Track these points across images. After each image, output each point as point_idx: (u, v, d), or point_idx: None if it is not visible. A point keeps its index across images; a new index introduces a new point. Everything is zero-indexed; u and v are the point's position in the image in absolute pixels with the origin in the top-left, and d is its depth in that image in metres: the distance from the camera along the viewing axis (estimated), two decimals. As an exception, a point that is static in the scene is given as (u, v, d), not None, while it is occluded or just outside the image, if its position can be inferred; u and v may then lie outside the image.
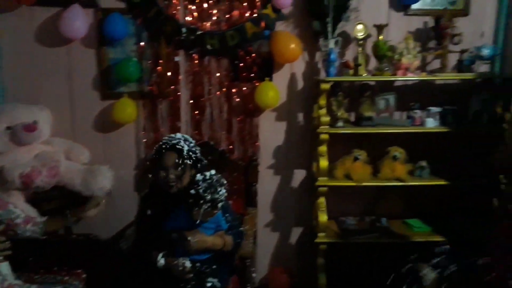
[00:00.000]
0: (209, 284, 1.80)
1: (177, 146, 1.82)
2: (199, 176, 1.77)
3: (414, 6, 2.62)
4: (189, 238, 1.76)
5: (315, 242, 2.54)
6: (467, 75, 2.50)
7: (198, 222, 1.78)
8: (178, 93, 2.66)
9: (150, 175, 1.94)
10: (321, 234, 2.55)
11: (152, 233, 1.84)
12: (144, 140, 2.69)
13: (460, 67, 2.55)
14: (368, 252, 2.72)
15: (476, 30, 2.67)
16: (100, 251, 2.19)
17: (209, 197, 1.73)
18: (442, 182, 2.50)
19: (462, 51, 2.53)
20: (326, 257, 2.59)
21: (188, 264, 1.79)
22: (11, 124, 2.39)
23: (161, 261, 1.80)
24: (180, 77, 2.65)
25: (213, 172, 1.80)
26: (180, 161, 1.81)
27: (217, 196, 1.74)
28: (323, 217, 2.53)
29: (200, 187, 1.73)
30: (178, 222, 1.83)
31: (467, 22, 2.62)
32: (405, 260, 2.69)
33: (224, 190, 1.78)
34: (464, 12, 2.64)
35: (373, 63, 2.59)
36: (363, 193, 2.77)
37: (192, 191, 1.74)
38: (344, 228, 2.64)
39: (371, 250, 2.70)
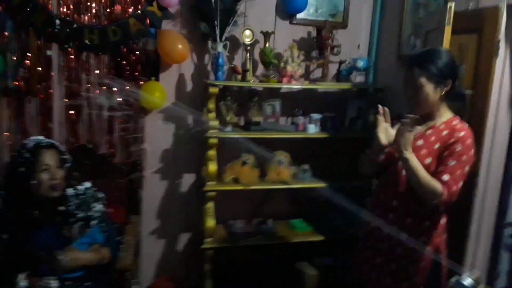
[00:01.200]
0: None
1: (55, 144, 1.64)
2: (70, 191, 1.59)
3: (299, 16, 2.73)
4: (60, 257, 1.58)
5: (202, 248, 2.50)
6: (345, 85, 2.69)
7: (70, 239, 1.61)
8: (50, 91, 2.39)
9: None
10: (208, 240, 2.51)
11: (12, 255, 1.61)
12: (9, 143, 2.36)
13: (339, 77, 2.73)
14: (256, 255, 2.77)
15: (354, 42, 2.88)
16: None
17: (81, 215, 1.56)
18: (322, 184, 2.66)
19: (341, 62, 2.71)
20: (215, 262, 2.57)
21: (54, 284, 1.61)
22: None
23: (22, 283, 1.58)
24: (53, 73, 2.39)
25: (87, 185, 1.64)
26: (63, 159, 1.64)
27: (90, 213, 1.59)
28: (210, 222, 2.50)
29: (71, 204, 1.55)
30: (46, 238, 1.63)
31: (345, 34, 2.81)
32: (290, 260, 2.81)
33: (100, 206, 1.63)
34: (343, 24, 2.83)
35: (261, 68, 2.64)
36: (252, 196, 2.81)
37: (62, 208, 1.56)
38: (232, 232, 2.65)
39: (259, 252, 2.75)
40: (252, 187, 2.56)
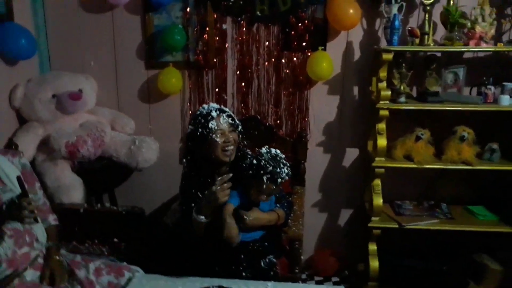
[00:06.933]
0: (266, 260, 1.73)
1: (228, 110, 1.71)
2: (263, 149, 1.65)
3: (492, -34, 2.29)
4: (245, 217, 1.64)
5: (369, 226, 2.37)
6: (552, 46, 2.19)
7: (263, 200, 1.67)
8: (225, 63, 2.51)
9: (184, 160, 1.80)
10: (375, 219, 2.36)
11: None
12: (190, 112, 2.58)
13: (543, 37, 2.23)
14: (422, 239, 2.51)
15: None
16: (143, 224, 2.11)
17: (270, 168, 1.59)
18: (515, 167, 2.24)
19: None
20: (379, 242, 2.41)
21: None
22: (56, 92, 2.35)
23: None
24: (227, 45, 2.50)
25: (277, 150, 1.68)
26: (235, 123, 1.69)
27: (278, 170, 1.60)
28: (378, 200, 2.34)
29: (263, 158, 1.61)
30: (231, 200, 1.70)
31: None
32: (465, 250, 2.47)
33: (287, 170, 1.64)
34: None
35: (439, 31, 2.32)
36: (423, 175, 2.53)
37: (254, 161, 1.62)
38: (400, 212, 2.44)
39: (428, 237, 2.49)
40: (426, 166, 2.30)
